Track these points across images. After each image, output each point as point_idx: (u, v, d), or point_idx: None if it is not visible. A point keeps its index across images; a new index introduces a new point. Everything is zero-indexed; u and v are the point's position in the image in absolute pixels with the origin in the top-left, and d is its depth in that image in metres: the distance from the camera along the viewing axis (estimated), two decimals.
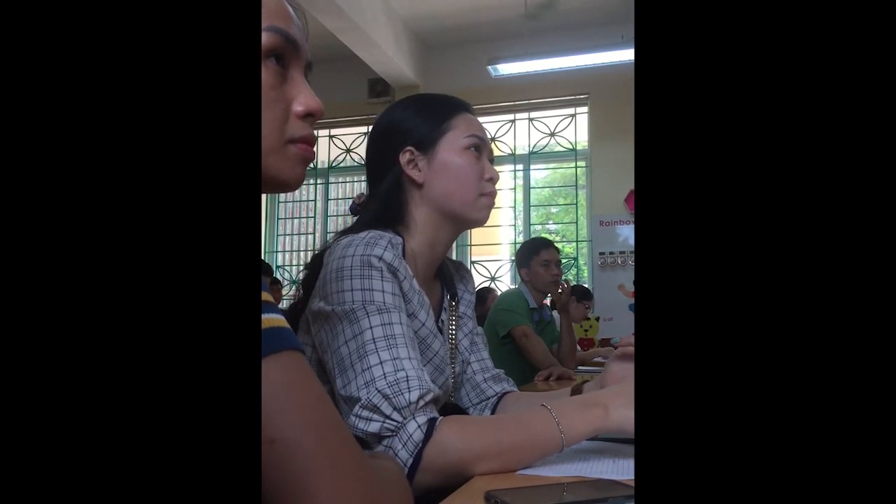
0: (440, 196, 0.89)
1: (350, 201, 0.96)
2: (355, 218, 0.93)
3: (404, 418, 0.67)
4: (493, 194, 0.92)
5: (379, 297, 0.75)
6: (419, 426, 0.66)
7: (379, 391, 0.68)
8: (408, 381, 0.69)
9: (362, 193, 0.93)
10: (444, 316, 0.96)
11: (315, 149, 0.54)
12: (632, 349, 0.84)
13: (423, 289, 0.87)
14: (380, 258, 0.77)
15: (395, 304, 0.76)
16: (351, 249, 0.78)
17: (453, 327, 0.97)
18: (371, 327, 0.73)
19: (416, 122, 0.91)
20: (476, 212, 0.90)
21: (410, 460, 0.65)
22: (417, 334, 0.83)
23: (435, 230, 0.90)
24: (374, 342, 0.72)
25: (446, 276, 0.99)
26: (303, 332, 0.83)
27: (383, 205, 0.89)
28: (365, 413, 0.68)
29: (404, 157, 0.89)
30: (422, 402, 0.69)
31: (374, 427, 0.67)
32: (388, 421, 0.67)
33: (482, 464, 0.66)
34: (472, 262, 4.76)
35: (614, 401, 0.70)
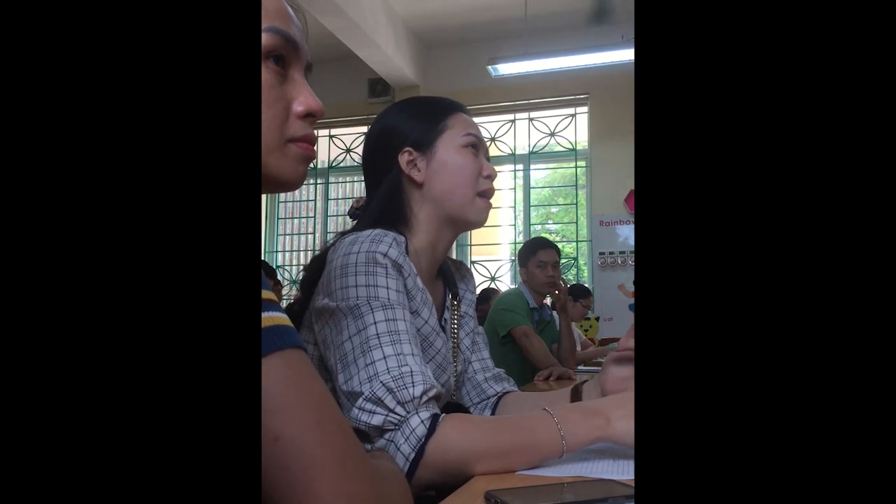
0: (440, 194, 0.90)
1: (350, 201, 0.97)
2: (355, 222, 0.94)
3: (408, 412, 0.68)
4: (490, 193, 0.93)
5: (383, 293, 0.76)
6: (422, 421, 0.66)
7: (384, 384, 0.69)
8: (412, 375, 0.69)
9: (361, 198, 0.94)
10: (446, 315, 0.97)
11: (315, 148, 0.54)
12: (630, 352, 0.84)
13: (426, 287, 0.87)
14: (385, 255, 0.77)
15: (399, 300, 0.77)
16: (356, 246, 0.78)
17: (455, 326, 0.97)
18: (375, 322, 0.73)
19: (413, 124, 0.92)
20: (474, 213, 0.92)
21: (413, 454, 0.65)
22: (420, 332, 0.84)
23: (436, 229, 0.91)
24: (378, 337, 0.72)
25: (447, 274, 1.00)
26: (305, 330, 0.84)
27: (385, 206, 0.90)
28: (368, 406, 0.68)
29: (403, 158, 0.90)
30: (425, 398, 0.69)
31: (377, 420, 0.68)
32: (391, 414, 0.67)
33: (483, 463, 0.66)
34: (472, 262, 4.76)
35: (616, 411, 0.69)
